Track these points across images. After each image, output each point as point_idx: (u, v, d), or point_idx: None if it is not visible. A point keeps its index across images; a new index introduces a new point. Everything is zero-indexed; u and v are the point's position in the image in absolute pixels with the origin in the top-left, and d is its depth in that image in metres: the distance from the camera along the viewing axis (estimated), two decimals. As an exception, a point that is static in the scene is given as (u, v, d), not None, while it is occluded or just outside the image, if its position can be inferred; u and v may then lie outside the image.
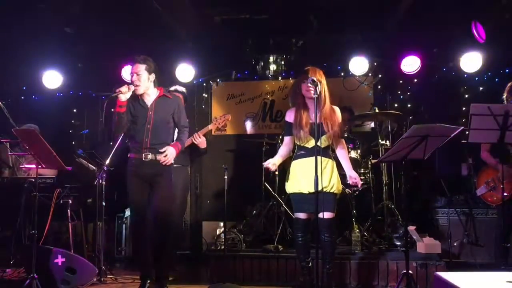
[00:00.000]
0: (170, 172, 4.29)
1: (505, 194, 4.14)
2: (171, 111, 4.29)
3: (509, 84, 4.51)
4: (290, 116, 4.11)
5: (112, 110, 4.23)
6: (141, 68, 4.16)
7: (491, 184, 4.53)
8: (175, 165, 4.43)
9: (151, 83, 4.25)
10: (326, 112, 3.98)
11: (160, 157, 4.15)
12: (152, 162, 4.17)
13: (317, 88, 3.68)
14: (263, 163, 4.14)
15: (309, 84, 3.86)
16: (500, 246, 4.33)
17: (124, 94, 4.08)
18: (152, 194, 4.20)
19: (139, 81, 4.15)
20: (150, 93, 4.27)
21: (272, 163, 4.07)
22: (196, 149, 5.09)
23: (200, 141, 4.93)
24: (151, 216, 4.20)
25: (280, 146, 5.64)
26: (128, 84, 4.17)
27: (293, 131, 4.03)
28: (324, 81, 3.99)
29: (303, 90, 4.00)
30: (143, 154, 4.16)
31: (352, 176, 4.08)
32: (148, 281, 4.17)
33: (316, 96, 3.68)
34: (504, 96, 4.50)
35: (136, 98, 4.25)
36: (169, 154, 4.17)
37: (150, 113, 4.21)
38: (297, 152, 4.10)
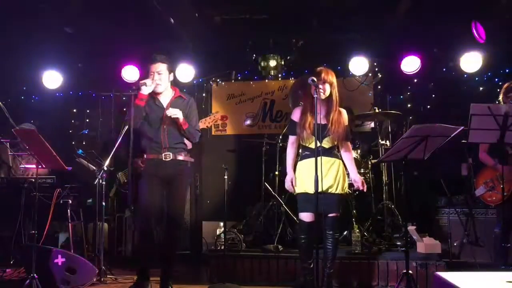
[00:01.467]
0: (188, 171, 4.33)
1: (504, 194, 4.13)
2: (185, 112, 4.24)
3: (504, 86, 4.49)
4: (296, 115, 4.10)
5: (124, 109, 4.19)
6: (163, 67, 4.16)
7: (490, 184, 4.52)
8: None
9: (170, 82, 4.24)
10: (334, 115, 3.99)
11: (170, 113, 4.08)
12: (173, 162, 4.16)
13: (316, 88, 3.70)
14: (286, 187, 4.09)
15: (320, 85, 3.85)
16: (499, 246, 4.32)
17: (147, 88, 4.06)
18: (170, 193, 4.19)
19: (160, 80, 4.14)
20: (167, 93, 4.25)
21: (291, 181, 4.03)
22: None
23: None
24: (167, 215, 4.20)
25: (279, 146, 5.69)
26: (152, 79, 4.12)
27: (297, 130, 4.04)
28: (335, 83, 4.00)
29: (313, 91, 3.98)
30: (163, 154, 4.13)
31: (357, 180, 4.08)
32: (146, 283, 4.15)
33: (316, 96, 3.69)
34: (500, 98, 4.50)
35: (152, 98, 4.21)
36: (172, 110, 4.08)
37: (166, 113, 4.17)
38: (302, 152, 4.10)
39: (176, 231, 4.27)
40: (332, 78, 3.97)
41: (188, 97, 4.39)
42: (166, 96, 4.26)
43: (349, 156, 4.14)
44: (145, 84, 4.05)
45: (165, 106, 4.21)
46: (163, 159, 4.14)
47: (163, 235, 4.30)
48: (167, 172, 4.16)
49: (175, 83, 4.45)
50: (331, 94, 3.98)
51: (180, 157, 4.21)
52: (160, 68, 4.15)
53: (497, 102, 4.49)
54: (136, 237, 5.88)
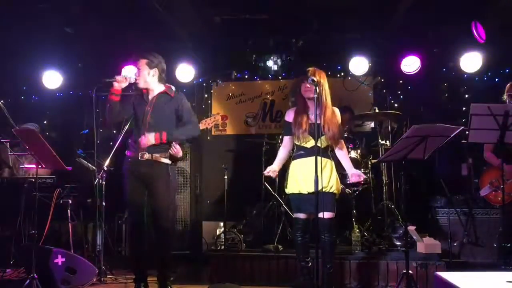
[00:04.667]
0: (167, 172, 4.16)
1: (508, 192, 4.12)
2: (173, 108, 4.19)
3: (508, 85, 4.49)
4: (289, 116, 4.11)
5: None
6: (142, 62, 4.14)
7: (495, 184, 4.50)
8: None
9: (154, 78, 4.19)
10: (326, 114, 3.99)
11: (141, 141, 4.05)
12: (148, 162, 4.08)
13: (316, 88, 3.69)
14: (263, 172, 4.16)
15: (308, 85, 3.87)
16: (501, 246, 4.32)
17: (119, 83, 4.06)
18: (150, 196, 4.14)
19: (138, 75, 4.15)
20: (154, 88, 4.21)
21: (272, 170, 4.09)
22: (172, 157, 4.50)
23: (176, 151, 4.40)
24: (152, 219, 4.18)
25: (280, 147, 5.69)
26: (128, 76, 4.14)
27: (293, 130, 4.04)
28: (325, 83, 4.00)
29: (302, 90, 4.01)
30: (140, 153, 4.08)
31: (355, 173, 4.08)
32: (142, 284, 4.15)
33: (316, 96, 3.68)
34: (505, 97, 4.49)
35: (141, 94, 4.22)
36: (144, 140, 4.03)
37: (148, 108, 4.14)
38: (296, 152, 4.10)
39: (163, 232, 4.16)
40: (321, 78, 3.96)
41: (175, 93, 4.28)
42: (153, 92, 4.22)
43: (344, 153, 4.14)
44: (115, 79, 4.06)
45: (148, 101, 4.19)
46: (139, 158, 4.09)
47: (154, 238, 4.26)
48: (143, 171, 4.10)
49: (175, 83, 4.43)
50: (319, 93, 3.96)
51: (158, 158, 4.11)
52: (139, 63, 4.16)
53: (504, 99, 4.47)
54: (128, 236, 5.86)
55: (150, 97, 4.21)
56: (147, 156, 4.09)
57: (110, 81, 4.08)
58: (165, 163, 4.16)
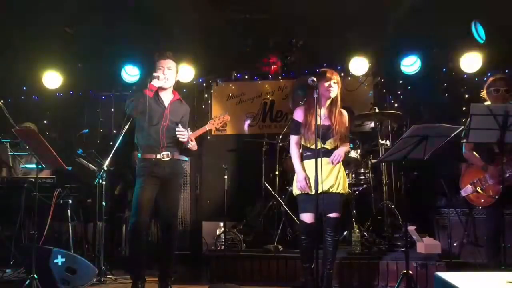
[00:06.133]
0: (183, 172, 4.39)
1: (491, 194, 4.09)
2: (181, 115, 4.34)
3: (493, 78, 4.33)
4: (299, 115, 4.05)
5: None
6: (173, 64, 4.25)
7: (477, 185, 4.34)
8: None
9: (174, 82, 4.32)
10: (336, 116, 4.00)
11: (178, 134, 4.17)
12: (170, 161, 4.19)
13: (316, 89, 3.70)
14: (301, 186, 3.97)
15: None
16: (491, 247, 4.25)
17: (158, 82, 4.14)
18: (165, 193, 4.21)
19: (170, 76, 4.22)
20: (169, 92, 4.31)
21: (305, 179, 3.92)
22: (187, 151, 4.84)
23: (193, 144, 4.69)
24: (162, 215, 4.26)
25: (279, 146, 5.70)
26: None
27: (302, 130, 4.01)
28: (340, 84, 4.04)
29: (322, 90, 3.96)
30: (162, 154, 4.16)
31: (335, 152, 3.96)
32: (140, 282, 4.15)
33: (316, 96, 3.69)
34: (484, 94, 4.35)
35: (155, 94, 4.24)
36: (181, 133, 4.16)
37: (167, 112, 4.23)
38: (304, 153, 4.08)
39: (172, 231, 4.27)
40: (339, 78, 4.03)
41: (185, 102, 4.47)
42: (167, 95, 4.30)
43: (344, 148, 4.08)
44: (158, 77, 4.12)
45: (166, 105, 4.26)
46: (162, 158, 4.16)
47: (160, 235, 4.31)
48: (165, 171, 4.17)
49: (175, 83, 4.44)
50: (336, 95, 4.00)
51: (176, 156, 4.25)
52: (170, 64, 4.23)
53: (483, 96, 4.38)
54: (127, 236, 5.87)
55: (163, 99, 4.27)
56: (169, 156, 4.18)
57: (155, 76, 4.13)
58: (182, 161, 4.34)
